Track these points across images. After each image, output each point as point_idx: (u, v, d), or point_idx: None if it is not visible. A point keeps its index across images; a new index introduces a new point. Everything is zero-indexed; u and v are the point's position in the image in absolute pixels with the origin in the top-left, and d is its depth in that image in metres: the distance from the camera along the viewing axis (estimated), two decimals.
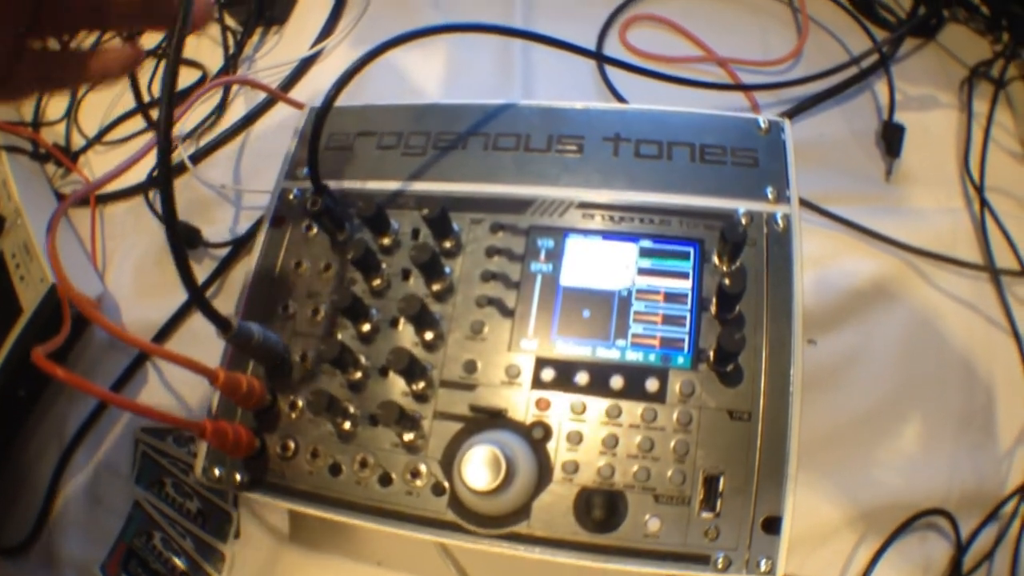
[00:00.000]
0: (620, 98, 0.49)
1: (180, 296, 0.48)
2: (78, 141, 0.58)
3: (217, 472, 0.32)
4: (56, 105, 0.62)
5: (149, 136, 0.57)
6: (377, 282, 0.33)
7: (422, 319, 0.31)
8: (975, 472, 0.38)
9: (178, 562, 0.41)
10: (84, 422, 0.46)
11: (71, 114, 0.60)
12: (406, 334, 0.32)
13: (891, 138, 0.45)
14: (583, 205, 0.33)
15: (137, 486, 0.43)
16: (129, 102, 0.59)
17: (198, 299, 0.28)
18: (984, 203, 0.44)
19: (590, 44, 0.51)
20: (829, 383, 0.39)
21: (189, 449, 0.43)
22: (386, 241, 0.34)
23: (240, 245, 0.47)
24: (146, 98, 0.58)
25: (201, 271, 0.48)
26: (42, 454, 0.46)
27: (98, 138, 0.58)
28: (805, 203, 0.43)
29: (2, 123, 0.57)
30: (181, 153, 0.52)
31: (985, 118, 0.46)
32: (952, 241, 0.43)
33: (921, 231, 0.43)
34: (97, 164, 0.57)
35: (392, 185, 0.36)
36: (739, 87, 0.47)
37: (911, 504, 0.36)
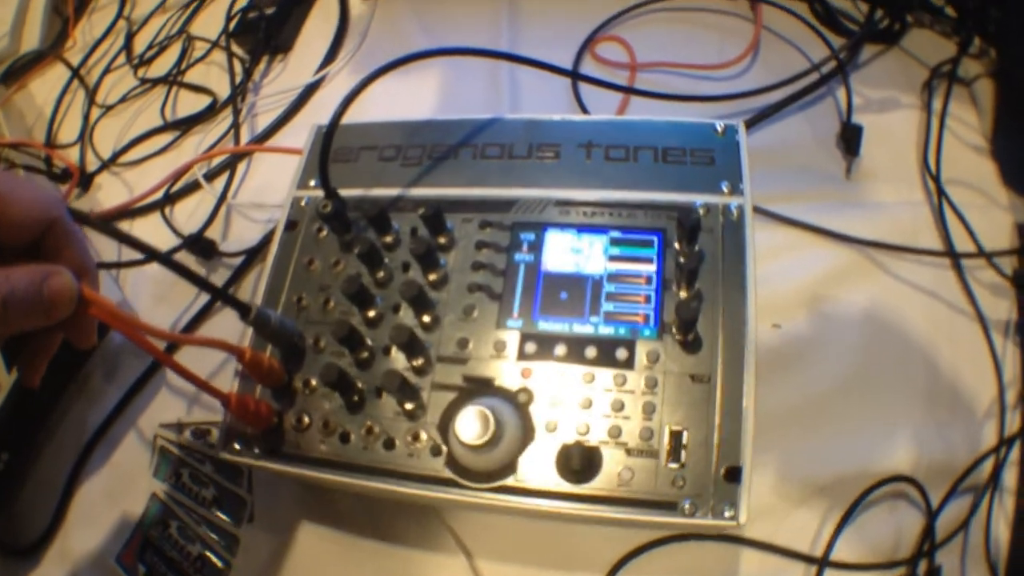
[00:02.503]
0: (587, 112, 0.55)
1: (196, 303, 0.54)
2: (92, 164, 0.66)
3: (237, 446, 0.38)
4: (70, 127, 0.69)
5: (162, 157, 0.64)
6: (381, 274, 0.40)
7: (420, 302, 0.37)
8: (944, 447, 0.40)
9: (193, 549, 0.46)
10: (102, 423, 0.51)
11: (84, 136, 0.68)
12: (407, 318, 0.38)
13: (849, 138, 0.51)
14: (560, 203, 0.40)
15: (155, 479, 0.49)
16: (143, 125, 0.67)
17: (219, 292, 0.35)
18: (941, 192, 0.48)
19: (567, 64, 0.58)
20: (795, 365, 0.44)
21: (206, 440, 0.49)
22: (388, 239, 0.41)
23: (253, 254, 0.54)
24: (159, 121, 0.66)
25: (217, 279, 0.55)
26: (59, 455, 0.51)
27: (113, 160, 0.65)
28: (759, 209, 0.47)
29: (18, 141, 0.65)
30: (196, 172, 0.59)
31: (949, 116, 0.51)
32: (913, 232, 0.47)
33: (881, 224, 0.47)
34: (111, 185, 0.64)
35: (393, 192, 0.43)
36: (700, 98, 0.52)
37: (880, 475, 0.39)
